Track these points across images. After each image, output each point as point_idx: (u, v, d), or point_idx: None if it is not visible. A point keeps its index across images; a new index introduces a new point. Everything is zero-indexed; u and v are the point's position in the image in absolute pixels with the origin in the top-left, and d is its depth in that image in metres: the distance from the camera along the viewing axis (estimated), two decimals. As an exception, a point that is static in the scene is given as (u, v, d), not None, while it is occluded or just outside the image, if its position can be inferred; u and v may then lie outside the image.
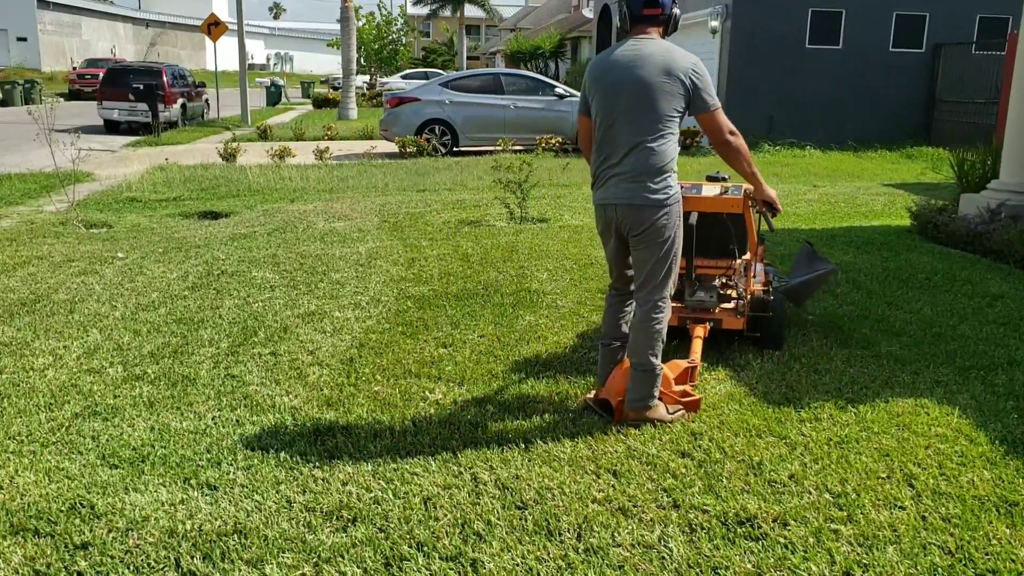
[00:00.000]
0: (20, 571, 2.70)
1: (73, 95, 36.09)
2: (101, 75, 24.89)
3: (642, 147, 3.61)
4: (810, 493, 3.18)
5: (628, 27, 3.79)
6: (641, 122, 3.61)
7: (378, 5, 44.84)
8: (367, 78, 44.11)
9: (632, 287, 3.87)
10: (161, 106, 20.94)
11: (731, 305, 4.69)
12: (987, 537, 2.90)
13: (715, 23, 17.34)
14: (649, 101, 3.60)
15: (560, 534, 2.91)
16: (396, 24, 46.78)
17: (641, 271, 3.76)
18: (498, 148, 15.62)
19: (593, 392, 4.04)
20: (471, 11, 50.65)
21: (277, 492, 3.18)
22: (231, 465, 3.38)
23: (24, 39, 46.07)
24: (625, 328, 3.94)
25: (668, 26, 3.79)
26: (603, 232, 3.89)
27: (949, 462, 3.44)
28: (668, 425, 3.74)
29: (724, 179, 4.72)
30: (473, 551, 2.81)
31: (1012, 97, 7.79)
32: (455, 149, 16.33)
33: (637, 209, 3.64)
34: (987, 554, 2.80)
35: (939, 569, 2.72)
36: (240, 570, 2.71)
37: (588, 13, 35.12)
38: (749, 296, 4.67)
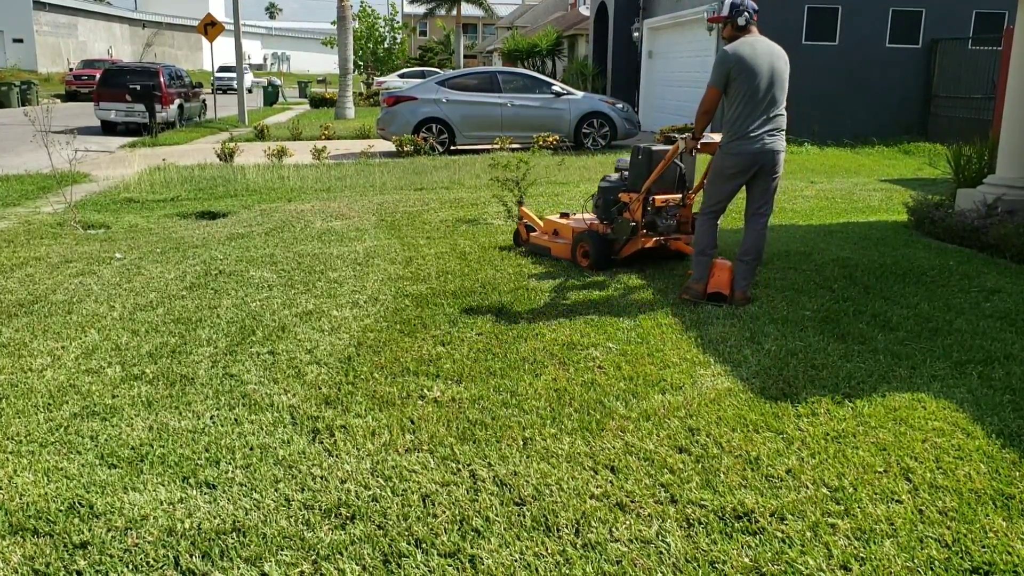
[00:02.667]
0: (19, 570, 2.70)
1: (70, 96, 36.09)
2: (97, 76, 24.86)
3: (783, 114, 5.43)
4: (807, 487, 3.19)
5: (744, 26, 5.47)
6: (782, 96, 5.41)
7: (362, 5, 44.80)
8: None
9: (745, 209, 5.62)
10: (158, 107, 20.94)
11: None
12: (984, 530, 2.91)
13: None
14: (784, 83, 5.44)
15: (558, 530, 2.92)
16: (387, 25, 46.72)
17: (765, 197, 5.49)
18: (495, 146, 15.62)
19: (693, 290, 5.59)
20: (467, 9, 50.61)
21: (276, 490, 3.19)
22: (229, 464, 3.39)
23: (20, 40, 46.01)
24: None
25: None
26: (738, 175, 5.42)
27: (946, 456, 3.45)
28: (665, 421, 3.76)
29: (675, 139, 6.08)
30: (472, 547, 2.82)
31: (1008, 92, 7.81)
32: (452, 148, 16.33)
33: (781, 154, 5.44)
34: (984, 547, 2.81)
35: (936, 562, 2.73)
36: (239, 568, 2.71)
37: (585, 11, 35.13)
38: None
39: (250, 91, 40.56)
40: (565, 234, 6.88)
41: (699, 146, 5.80)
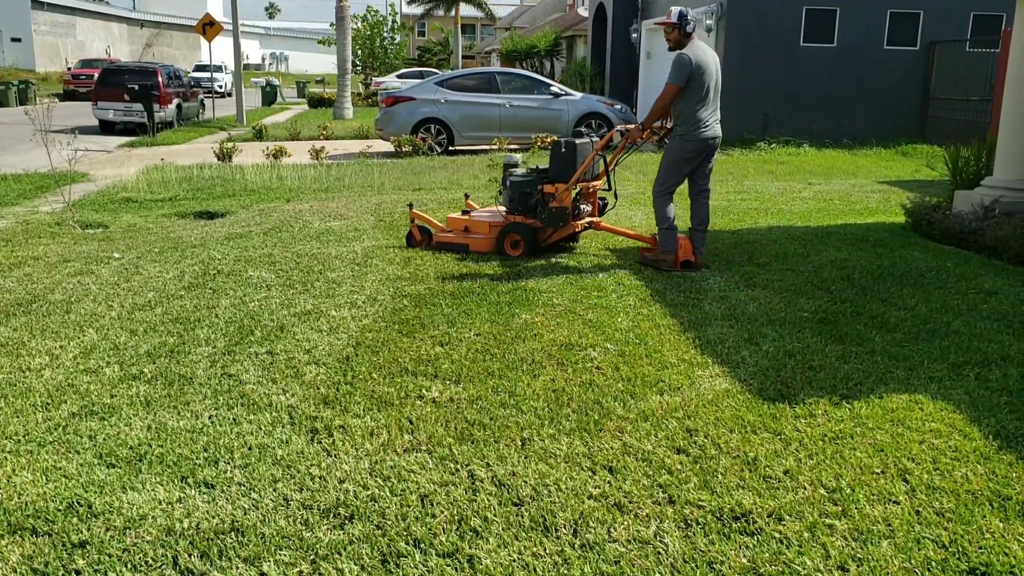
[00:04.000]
0: (18, 570, 2.70)
1: (68, 95, 36.05)
2: (96, 75, 24.84)
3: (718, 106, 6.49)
4: (805, 488, 3.20)
5: (690, 32, 6.40)
6: (719, 92, 6.45)
7: (367, 8, 44.71)
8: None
9: (689, 188, 6.66)
10: (156, 106, 20.92)
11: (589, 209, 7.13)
12: (980, 531, 2.92)
13: (710, 21, 17.36)
14: (720, 82, 6.47)
15: (556, 530, 2.93)
16: (386, 24, 46.69)
17: (707, 176, 6.66)
18: (494, 147, 15.64)
19: (667, 261, 6.51)
20: (466, 10, 50.61)
21: (274, 490, 3.19)
22: (228, 463, 3.39)
23: (18, 40, 45.97)
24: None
25: None
26: (695, 158, 6.45)
27: (943, 457, 3.46)
28: (663, 421, 3.77)
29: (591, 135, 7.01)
30: (470, 547, 2.82)
31: (1006, 94, 7.82)
32: (451, 148, 16.34)
33: (719, 139, 6.53)
34: (980, 548, 2.82)
35: (933, 563, 2.74)
36: (238, 568, 2.72)
37: (583, 12, 35.12)
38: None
39: (228, 94, 39.70)
40: (480, 229, 7.15)
41: (643, 135, 6.60)
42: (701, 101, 6.30)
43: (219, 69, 39.04)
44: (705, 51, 6.38)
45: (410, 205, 7.52)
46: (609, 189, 7.21)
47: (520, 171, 7.19)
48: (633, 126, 6.64)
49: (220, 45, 33.99)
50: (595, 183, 7.17)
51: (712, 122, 6.39)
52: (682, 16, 6.33)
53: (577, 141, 6.85)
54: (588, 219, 7.12)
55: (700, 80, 6.25)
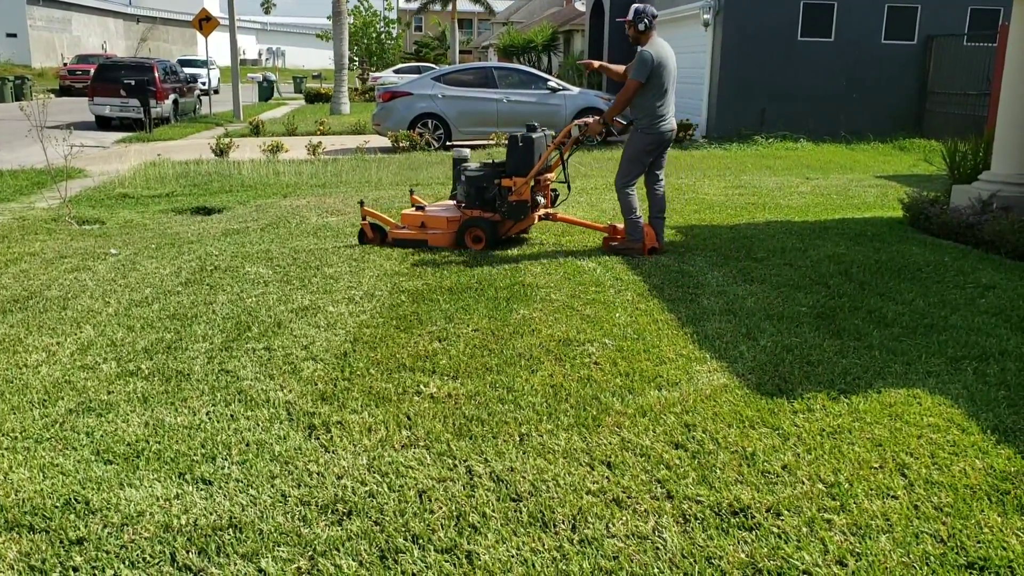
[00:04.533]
0: (15, 567, 2.70)
1: (64, 91, 35.95)
2: (92, 71, 24.77)
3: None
4: (803, 483, 3.20)
5: (650, 29, 6.67)
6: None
7: (359, 2, 44.41)
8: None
9: (646, 178, 6.95)
10: (153, 102, 20.87)
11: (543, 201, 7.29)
12: (979, 525, 2.92)
13: (707, 16, 17.34)
14: (676, 77, 6.77)
15: (555, 525, 2.93)
16: (380, 20, 46.59)
17: (662, 165, 6.94)
18: (491, 142, 15.62)
19: (636, 248, 6.85)
20: (463, 5, 50.55)
21: (272, 486, 3.18)
22: (226, 460, 3.39)
23: (14, 35, 45.83)
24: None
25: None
26: (654, 150, 6.76)
27: (941, 451, 3.46)
28: (661, 417, 3.77)
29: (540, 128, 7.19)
30: (468, 543, 2.82)
31: (1003, 88, 7.82)
32: (448, 143, 16.31)
33: (675, 132, 6.79)
34: (979, 542, 2.82)
35: (931, 557, 2.74)
36: (235, 564, 2.71)
37: (580, 6, 35.10)
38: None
39: (216, 91, 36.20)
40: (438, 225, 7.19)
41: (604, 128, 6.94)
42: (661, 96, 6.61)
43: (204, 64, 35.35)
44: (665, 48, 6.66)
45: (361, 202, 7.49)
46: (565, 181, 7.39)
47: (473, 166, 7.28)
48: (592, 120, 6.89)
49: (216, 40, 33.89)
50: (549, 175, 7.33)
51: (669, 116, 6.73)
52: (637, 13, 6.56)
53: (533, 135, 7.01)
54: (544, 211, 7.33)
55: (660, 76, 6.55)
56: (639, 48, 6.63)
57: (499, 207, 7.06)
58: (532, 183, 7.07)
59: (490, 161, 7.34)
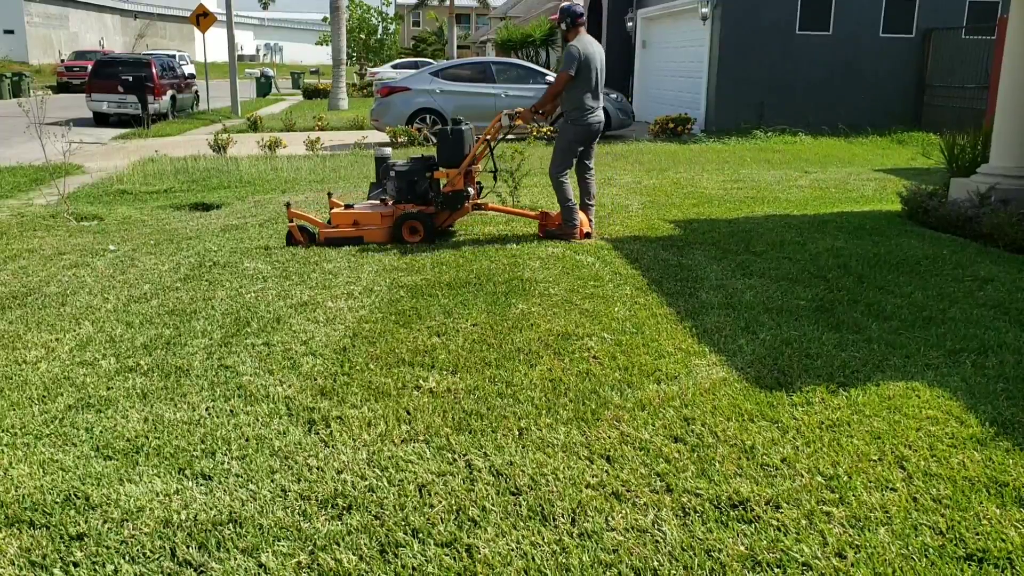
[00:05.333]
0: (16, 562, 2.70)
1: (61, 87, 35.90)
2: (89, 67, 24.70)
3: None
4: (802, 476, 3.21)
5: (575, 26, 7.04)
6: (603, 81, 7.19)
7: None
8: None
9: (576, 167, 7.33)
10: (150, 98, 20.84)
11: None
12: (977, 517, 2.92)
13: (706, 9, 17.31)
14: (604, 71, 7.14)
15: (554, 519, 2.93)
16: (378, 15, 46.53)
17: (592, 156, 7.40)
18: (489, 137, 15.57)
19: (572, 235, 7.20)
20: (461, 0, 50.44)
21: (272, 481, 3.19)
22: (225, 455, 3.39)
23: (11, 32, 45.74)
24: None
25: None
26: (585, 140, 7.17)
27: (940, 444, 3.46)
28: (660, 410, 3.77)
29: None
30: (468, 537, 2.83)
31: (1002, 81, 7.82)
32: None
33: (603, 124, 7.27)
34: (977, 534, 2.83)
35: (930, 549, 2.75)
36: (236, 559, 2.71)
37: (578, 0, 35.02)
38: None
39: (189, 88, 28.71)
40: (372, 221, 7.23)
41: (534, 119, 7.28)
42: (589, 90, 7.02)
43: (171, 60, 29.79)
44: (592, 44, 7.04)
45: (287, 204, 7.33)
46: (494, 171, 7.71)
47: (400, 162, 7.37)
48: (523, 110, 7.20)
49: (214, 36, 33.84)
50: (476, 166, 7.48)
51: (597, 109, 7.14)
52: (562, 12, 7.04)
53: (462, 128, 7.24)
54: (475, 201, 7.47)
55: (587, 70, 6.94)
56: (568, 43, 7.04)
57: (434, 199, 7.25)
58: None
59: (417, 156, 7.46)
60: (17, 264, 6.60)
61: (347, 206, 7.42)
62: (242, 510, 2.98)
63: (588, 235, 7.36)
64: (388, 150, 7.71)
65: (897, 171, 12.21)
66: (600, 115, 7.16)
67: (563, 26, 7.09)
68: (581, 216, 7.31)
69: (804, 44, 17.28)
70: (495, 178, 7.86)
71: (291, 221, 7.25)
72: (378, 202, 7.47)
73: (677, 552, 2.74)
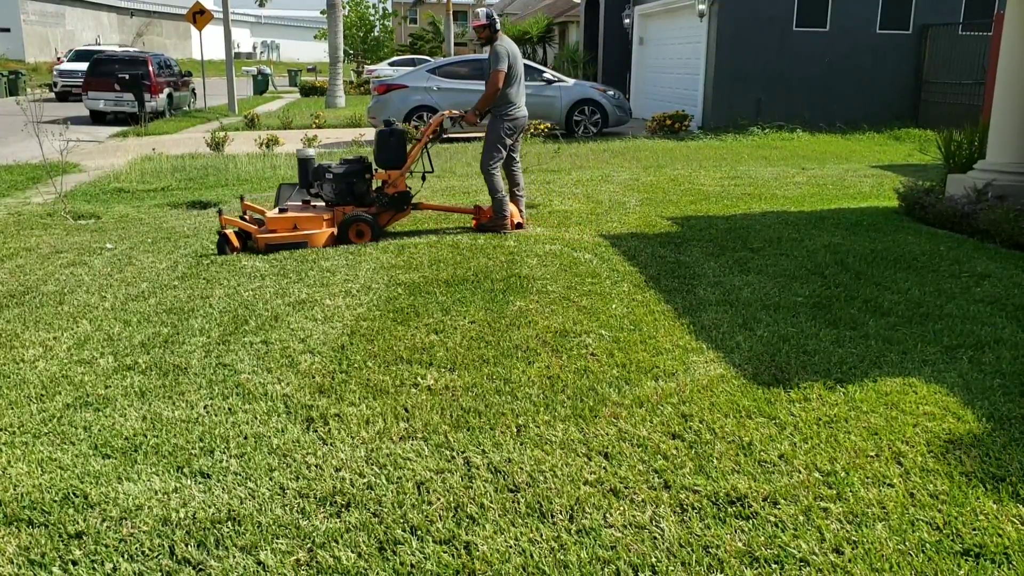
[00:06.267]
0: (15, 561, 2.71)
1: (60, 97, 35.65)
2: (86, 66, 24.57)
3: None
4: (800, 472, 3.21)
5: (496, 30, 7.49)
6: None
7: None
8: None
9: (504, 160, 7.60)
10: (147, 96, 20.80)
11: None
12: (974, 513, 2.93)
13: (703, 6, 17.31)
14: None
15: (552, 516, 2.94)
16: (376, 13, 46.48)
17: (519, 148, 7.75)
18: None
19: (505, 226, 7.45)
20: (458, -3, 50.34)
21: (270, 479, 3.19)
22: (224, 453, 3.39)
23: (7, 30, 45.66)
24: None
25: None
26: (513, 134, 7.50)
27: (937, 440, 3.47)
28: (658, 407, 3.78)
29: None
30: (467, 534, 2.83)
31: (999, 77, 7.82)
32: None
33: (527, 118, 7.65)
34: (974, 529, 2.84)
35: (927, 545, 2.76)
36: (235, 557, 2.72)
37: (492, 1, 34.95)
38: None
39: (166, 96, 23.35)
40: (314, 225, 7.03)
41: (478, 119, 7.46)
42: (515, 86, 7.41)
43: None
44: (513, 44, 7.49)
45: (219, 211, 7.14)
46: (429, 169, 7.90)
47: (334, 164, 7.31)
48: (468, 113, 7.48)
49: (210, 33, 33.79)
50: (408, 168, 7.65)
51: (522, 104, 7.53)
52: (489, 16, 7.45)
53: (396, 129, 7.44)
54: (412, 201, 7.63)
55: (514, 68, 7.36)
56: (494, 44, 7.39)
57: (378, 200, 7.31)
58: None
59: (350, 158, 7.42)
60: (14, 263, 6.59)
61: (281, 209, 7.16)
62: (241, 508, 2.99)
63: (520, 225, 7.58)
64: (311, 151, 7.54)
65: (894, 167, 12.22)
66: (524, 111, 7.54)
67: (489, 31, 7.47)
68: (512, 208, 7.57)
69: (801, 40, 17.28)
70: (423, 179, 8.02)
71: (224, 228, 6.89)
72: (308, 205, 7.31)
73: (675, 548, 2.75)
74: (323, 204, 7.34)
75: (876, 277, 5.91)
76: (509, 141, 7.52)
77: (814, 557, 2.70)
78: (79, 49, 31.32)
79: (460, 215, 8.04)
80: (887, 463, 3.28)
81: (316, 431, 3.59)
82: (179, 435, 3.55)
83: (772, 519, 2.90)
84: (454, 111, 7.70)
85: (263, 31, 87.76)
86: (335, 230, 7.12)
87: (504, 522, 2.90)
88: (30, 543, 2.79)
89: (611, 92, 17.30)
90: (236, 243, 6.95)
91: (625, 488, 3.11)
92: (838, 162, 12.93)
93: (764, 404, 3.82)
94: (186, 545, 2.77)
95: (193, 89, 26.50)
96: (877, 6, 17.24)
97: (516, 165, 7.75)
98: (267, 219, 7.06)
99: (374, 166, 7.46)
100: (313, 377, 4.17)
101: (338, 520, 2.92)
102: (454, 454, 3.38)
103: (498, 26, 7.52)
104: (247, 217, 7.24)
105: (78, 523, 2.89)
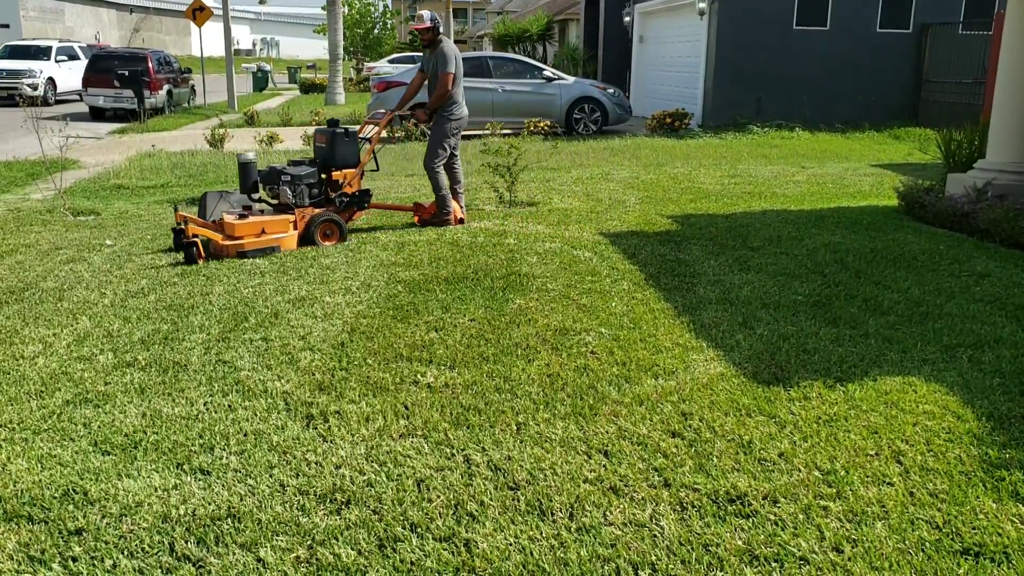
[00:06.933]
0: (15, 557, 2.70)
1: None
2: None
3: None
4: (799, 471, 3.22)
5: (439, 32, 7.73)
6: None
7: None
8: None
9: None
10: (147, 92, 20.78)
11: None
12: (974, 512, 2.94)
13: (703, 4, 17.29)
14: None
15: (552, 514, 2.94)
16: (377, 10, 46.43)
17: (458, 144, 7.95)
18: (486, 132, 15.56)
19: (449, 220, 7.74)
20: (458, -6, 50.28)
21: (270, 476, 3.19)
22: (224, 450, 3.39)
23: (6, 26, 45.55)
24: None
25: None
26: (457, 132, 7.79)
27: (936, 439, 3.47)
28: (658, 405, 3.78)
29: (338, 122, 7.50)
30: (466, 531, 2.83)
31: (999, 76, 7.82)
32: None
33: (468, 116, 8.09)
34: (974, 528, 2.84)
35: (927, 544, 2.76)
36: (234, 554, 2.72)
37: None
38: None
39: (47, 101, 23.35)
40: (281, 228, 6.78)
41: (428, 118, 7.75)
42: (459, 87, 7.76)
43: (42, 54, 24.95)
44: (455, 46, 7.87)
45: (185, 221, 6.48)
46: (376, 169, 8.15)
47: (288, 167, 7.13)
48: (419, 111, 7.80)
49: (210, 30, 33.76)
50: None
51: (464, 103, 7.86)
52: (433, 19, 7.71)
53: (350, 129, 7.43)
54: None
55: (459, 69, 7.70)
56: (440, 46, 7.65)
57: (340, 200, 7.30)
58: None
59: (296, 160, 7.37)
60: (14, 259, 6.59)
61: (240, 215, 6.79)
62: (240, 505, 2.99)
63: (461, 221, 7.86)
64: (252, 155, 7.26)
65: (894, 166, 12.22)
66: (466, 110, 7.86)
67: (432, 33, 7.69)
68: (453, 204, 7.81)
69: (801, 39, 17.26)
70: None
71: (194, 237, 6.43)
72: (243, 210, 7.01)
73: (675, 546, 2.75)
74: (269, 208, 7.08)
75: (876, 276, 5.91)
76: (453, 140, 7.80)
77: (814, 555, 2.70)
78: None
79: (403, 212, 8.18)
80: (887, 462, 3.29)
81: (316, 428, 3.59)
82: (179, 432, 3.55)
83: (772, 517, 2.90)
84: (405, 110, 7.99)
85: (263, 28, 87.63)
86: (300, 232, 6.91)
87: (504, 520, 2.90)
88: (30, 540, 2.79)
89: (611, 90, 17.28)
90: (203, 251, 6.51)
91: (625, 486, 3.11)
92: (838, 161, 12.93)
93: (764, 403, 3.82)
94: (186, 542, 2.77)
95: (193, 86, 26.48)
96: (877, 5, 17.22)
97: (457, 163, 7.98)
98: (234, 225, 6.67)
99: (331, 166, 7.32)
100: (313, 374, 4.16)
101: (338, 517, 2.92)
102: (454, 452, 3.38)
103: (441, 28, 7.78)
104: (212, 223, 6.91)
105: (78, 520, 2.89)
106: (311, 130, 15.62)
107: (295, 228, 6.94)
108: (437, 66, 7.61)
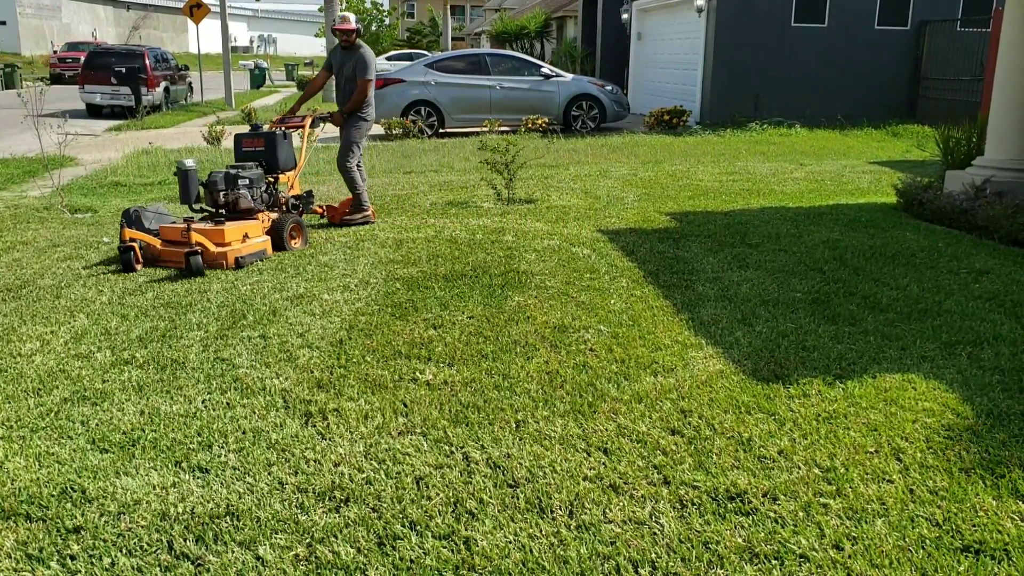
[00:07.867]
0: (13, 555, 2.70)
1: (54, 79, 35.70)
2: (82, 59, 24.55)
3: None
4: (799, 468, 3.21)
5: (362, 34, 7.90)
6: None
7: None
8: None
9: None
10: (144, 89, 20.75)
11: None
12: (974, 509, 2.93)
13: (701, 2, 17.28)
14: None
15: (552, 511, 2.93)
16: (373, 7, 46.35)
17: (366, 143, 8.22)
18: (484, 129, 15.56)
19: (365, 217, 7.84)
20: (456, -8, 50.21)
21: (269, 474, 3.18)
22: (222, 448, 3.38)
23: (3, 23, 45.50)
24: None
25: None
26: (368, 132, 8.03)
27: (936, 436, 3.47)
28: (657, 403, 3.78)
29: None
30: (466, 529, 2.83)
31: (997, 74, 7.82)
32: (441, 131, 16.26)
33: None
34: (974, 525, 2.84)
35: (927, 541, 2.75)
36: (233, 552, 2.71)
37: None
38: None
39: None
40: (258, 232, 6.53)
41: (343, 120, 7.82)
42: (372, 90, 7.93)
43: None
44: (370, 49, 7.97)
45: (188, 225, 6.16)
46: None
47: (239, 171, 6.76)
48: (335, 113, 7.88)
49: (207, 27, 33.68)
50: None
51: (374, 103, 8.01)
52: (358, 22, 7.84)
53: (286, 131, 7.53)
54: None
55: (375, 71, 7.90)
56: (360, 50, 7.73)
57: (291, 202, 7.34)
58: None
59: (236, 164, 7.01)
60: (11, 256, 6.57)
61: (217, 222, 6.42)
62: (239, 503, 2.98)
63: (370, 220, 8.03)
64: (191, 162, 6.77)
65: (892, 163, 12.22)
66: (375, 110, 8.08)
67: (357, 35, 7.78)
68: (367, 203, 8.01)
69: (799, 36, 17.25)
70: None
71: (199, 244, 6.08)
72: (178, 219, 6.61)
73: (675, 544, 2.75)
74: (212, 216, 6.64)
75: (875, 273, 5.91)
76: (365, 141, 8.03)
77: (814, 553, 2.69)
78: None
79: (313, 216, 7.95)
80: (886, 459, 3.28)
81: (315, 426, 3.58)
82: (177, 430, 3.54)
83: (772, 515, 2.90)
84: (323, 112, 8.13)
85: (260, 25, 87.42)
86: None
87: (503, 517, 2.89)
88: (28, 538, 2.78)
89: (609, 87, 17.27)
90: (139, 258, 6.22)
91: (624, 484, 3.11)
92: (836, 158, 12.92)
93: (763, 400, 3.81)
94: (184, 540, 2.77)
95: (190, 83, 26.45)
96: (875, 2, 17.21)
97: (361, 162, 8.09)
98: (224, 232, 6.25)
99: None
100: (311, 372, 4.16)
101: (337, 515, 2.91)
102: (453, 449, 3.38)
103: (361, 32, 7.91)
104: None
105: (76, 518, 2.88)
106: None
107: (271, 233, 6.67)
108: (356, 70, 7.68)
